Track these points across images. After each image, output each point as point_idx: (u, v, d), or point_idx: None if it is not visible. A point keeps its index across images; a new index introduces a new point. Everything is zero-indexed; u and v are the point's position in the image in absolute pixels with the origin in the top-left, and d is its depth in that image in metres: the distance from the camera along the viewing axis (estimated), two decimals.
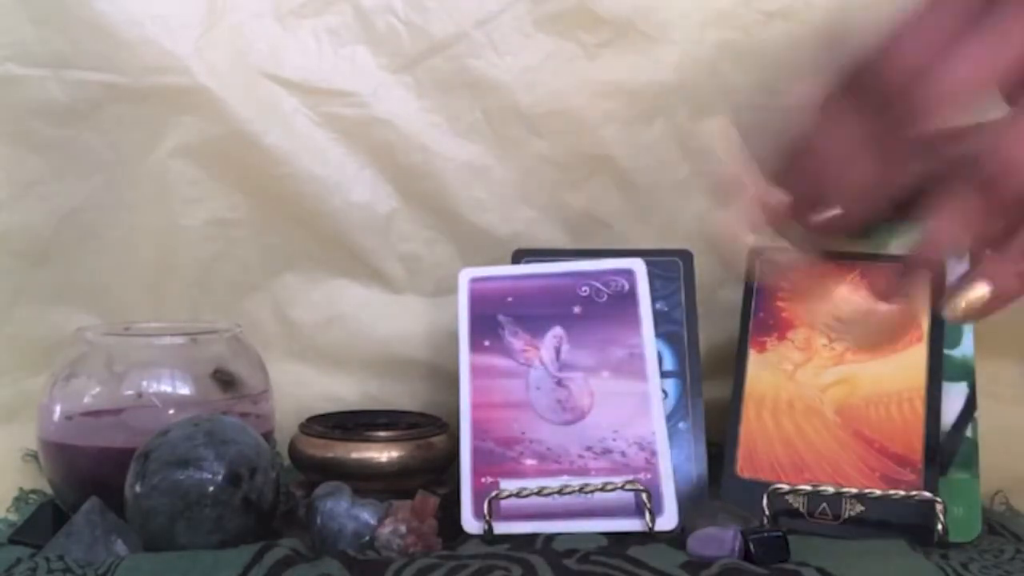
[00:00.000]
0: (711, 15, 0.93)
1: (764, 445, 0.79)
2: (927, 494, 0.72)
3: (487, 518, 0.72)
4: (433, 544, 0.69)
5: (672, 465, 0.76)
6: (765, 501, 0.73)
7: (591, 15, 0.93)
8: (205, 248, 0.95)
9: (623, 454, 0.77)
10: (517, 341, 0.81)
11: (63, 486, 0.78)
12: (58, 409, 0.78)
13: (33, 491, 0.85)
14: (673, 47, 0.93)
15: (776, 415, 0.80)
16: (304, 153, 0.93)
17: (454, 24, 0.94)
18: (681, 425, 0.81)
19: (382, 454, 0.77)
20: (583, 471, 0.76)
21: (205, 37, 0.91)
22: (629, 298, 0.83)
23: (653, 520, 0.72)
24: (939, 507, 0.71)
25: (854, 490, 0.73)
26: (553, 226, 0.96)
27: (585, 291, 0.83)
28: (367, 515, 0.69)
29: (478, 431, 0.78)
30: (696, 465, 0.80)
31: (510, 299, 0.83)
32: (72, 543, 0.66)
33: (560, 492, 0.73)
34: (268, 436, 0.83)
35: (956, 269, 0.82)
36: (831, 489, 0.73)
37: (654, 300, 0.83)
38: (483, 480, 0.76)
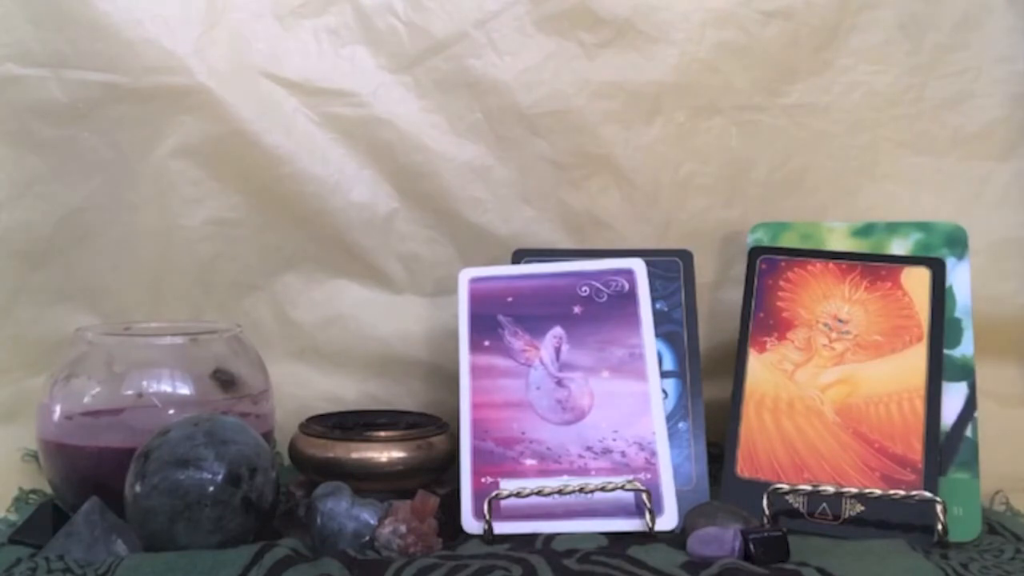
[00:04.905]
0: (711, 15, 0.93)
1: (764, 445, 0.79)
2: (927, 494, 0.72)
3: (487, 518, 0.72)
4: (433, 544, 0.69)
5: (672, 465, 0.76)
6: (765, 501, 0.73)
7: (591, 15, 0.93)
8: (205, 248, 0.95)
9: (623, 454, 0.77)
10: (517, 341, 0.81)
11: (63, 486, 0.78)
12: (58, 409, 0.78)
13: (33, 491, 0.85)
14: (673, 47, 0.93)
15: (776, 415, 0.80)
16: (304, 153, 0.93)
17: (454, 24, 0.94)
18: (681, 425, 0.81)
19: (382, 454, 0.77)
20: (583, 471, 0.76)
21: (205, 37, 0.91)
22: (629, 298, 0.83)
23: (653, 520, 0.72)
24: (939, 507, 0.71)
25: (854, 490, 0.74)
26: (553, 226, 0.96)
27: (585, 291, 0.83)
28: (367, 515, 0.69)
29: (478, 431, 0.78)
30: (696, 465, 0.80)
31: (510, 299, 0.83)
32: (72, 543, 0.66)
33: (560, 492, 0.73)
34: (268, 436, 0.83)
35: (953, 271, 0.82)
36: (831, 489, 0.73)
37: (654, 300, 0.84)
38: (483, 480, 0.76)
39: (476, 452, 0.77)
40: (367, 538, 0.69)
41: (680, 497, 0.75)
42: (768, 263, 0.85)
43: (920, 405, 0.77)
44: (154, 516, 0.66)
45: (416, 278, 0.98)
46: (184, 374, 0.80)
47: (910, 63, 0.94)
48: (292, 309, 0.98)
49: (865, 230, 0.87)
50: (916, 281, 0.81)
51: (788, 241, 0.88)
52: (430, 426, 0.82)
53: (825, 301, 0.82)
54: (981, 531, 0.75)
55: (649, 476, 0.75)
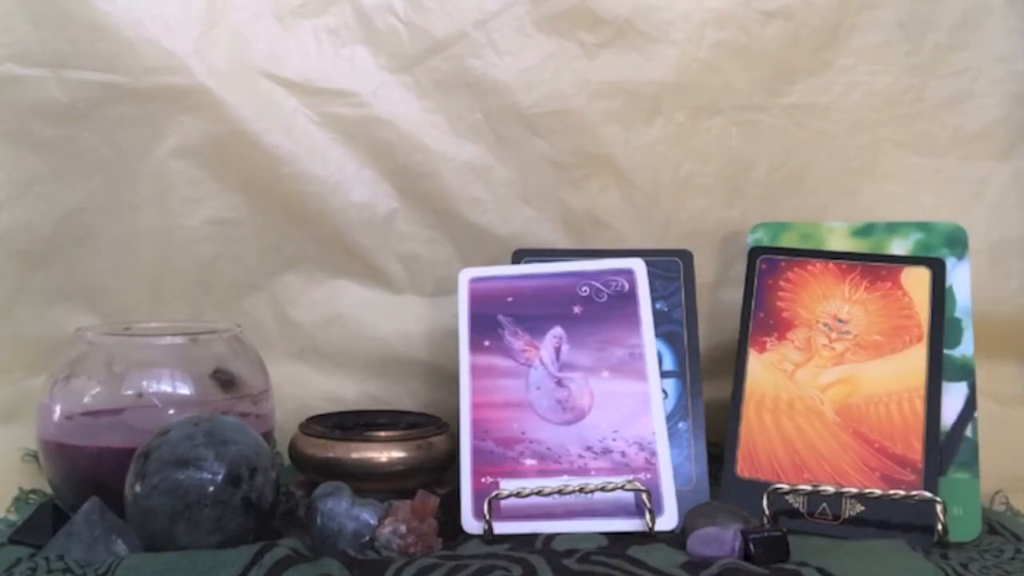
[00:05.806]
0: (711, 15, 0.93)
1: (764, 445, 0.79)
2: (927, 494, 0.72)
3: (487, 518, 0.72)
4: (433, 544, 0.69)
5: (672, 465, 0.76)
6: (765, 501, 0.73)
7: (591, 15, 0.93)
8: (205, 248, 0.95)
9: (623, 454, 0.77)
10: (517, 341, 0.81)
11: (63, 486, 0.78)
12: (58, 409, 0.78)
13: (33, 491, 0.85)
14: (673, 47, 0.93)
15: (776, 415, 0.80)
16: (304, 153, 0.93)
17: (454, 24, 0.94)
18: (681, 425, 0.81)
19: (382, 454, 0.77)
20: (583, 471, 0.76)
21: (205, 37, 0.91)
22: (629, 298, 0.83)
23: (653, 520, 0.72)
24: (939, 507, 0.71)
25: (854, 490, 0.74)
26: (553, 226, 0.96)
27: (585, 291, 0.83)
28: (367, 515, 0.69)
29: (478, 431, 0.78)
30: (696, 465, 0.80)
31: (510, 299, 0.83)
32: (72, 543, 0.66)
33: (560, 492, 0.73)
34: (268, 436, 0.83)
35: (953, 272, 0.82)
36: (831, 489, 0.73)
37: (654, 300, 0.84)
38: (483, 480, 0.76)
39: (476, 452, 0.77)
40: (367, 538, 0.69)
41: (680, 497, 0.75)
42: (768, 263, 0.85)
43: (920, 405, 0.77)
44: (154, 516, 0.66)
45: (416, 278, 0.98)
46: (184, 374, 0.80)
47: (910, 63, 0.94)
48: (292, 309, 0.98)
49: (865, 230, 0.87)
50: (916, 281, 0.81)
51: (788, 241, 0.88)
52: (430, 426, 0.82)
53: (825, 301, 0.82)
54: (981, 531, 0.75)
55: (649, 476, 0.75)
